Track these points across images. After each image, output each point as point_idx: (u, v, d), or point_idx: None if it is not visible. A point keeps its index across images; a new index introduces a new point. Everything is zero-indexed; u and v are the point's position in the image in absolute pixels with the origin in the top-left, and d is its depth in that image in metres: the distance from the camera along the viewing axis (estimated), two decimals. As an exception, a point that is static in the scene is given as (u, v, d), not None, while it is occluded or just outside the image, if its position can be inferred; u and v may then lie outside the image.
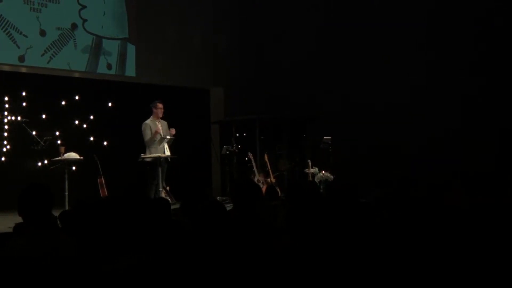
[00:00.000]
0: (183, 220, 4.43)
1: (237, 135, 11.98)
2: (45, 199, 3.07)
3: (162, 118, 9.04)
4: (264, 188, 9.95)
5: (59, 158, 8.32)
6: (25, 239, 2.92)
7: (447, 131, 10.07)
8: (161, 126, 9.00)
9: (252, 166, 10.56)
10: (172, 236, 3.63)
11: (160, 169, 8.60)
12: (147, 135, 8.72)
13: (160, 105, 8.94)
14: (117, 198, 4.46)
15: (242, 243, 2.92)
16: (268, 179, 10.43)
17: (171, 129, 8.90)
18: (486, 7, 9.92)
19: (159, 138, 8.76)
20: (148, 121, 8.86)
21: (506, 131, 9.69)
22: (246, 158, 10.74)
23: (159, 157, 8.62)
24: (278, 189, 8.90)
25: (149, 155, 8.69)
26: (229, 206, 4.18)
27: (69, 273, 2.84)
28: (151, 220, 4.02)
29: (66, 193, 8.18)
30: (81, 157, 8.54)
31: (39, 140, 8.83)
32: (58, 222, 4.78)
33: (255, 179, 10.34)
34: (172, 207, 6.31)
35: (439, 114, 10.20)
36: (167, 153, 8.78)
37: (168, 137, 8.80)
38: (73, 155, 8.40)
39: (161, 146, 8.75)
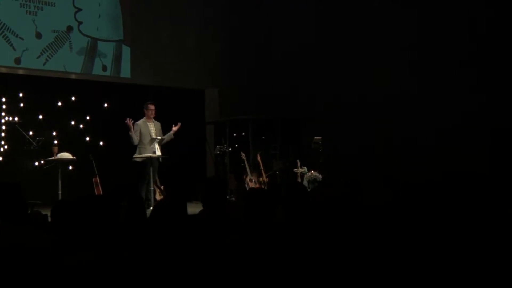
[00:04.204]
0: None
1: (234, 135, 12.14)
2: (15, 197, 3.25)
3: (156, 119, 9.19)
4: (257, 186, 10.13)
5: (53, 158, 8.51)
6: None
7: (438, 132, 10.16)
8: (154, 127, 9.14)
9: (245, 165, 10.72)
10: (142, 234, 3.79)
11: (151, 169, 8.76)
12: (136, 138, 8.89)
13: (151, 107, 9.07)
14: (96, 197, 4.61)
15: (200, 242, 3.06)
16: (261, 179, 10.59)
17: (175, 126, 9.10)
18: (479, 6, 10.00)
19: (150, 138, 8.90)
20: (139, 122, 8.99)
21: (498, 131, 9.77)
22: (243, 158, 10.89)
23: (150, 157, 8.77)
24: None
25: (139, 155, 8.84)
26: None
27: (33, 268, 3.00)
28: (125, 219, 4.19)
29: (59, 192, 8.39)
30: (74, 157, 8.72)
31: (31, 140, 9.03)
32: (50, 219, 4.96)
33: (248, 179, 10.51)
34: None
35: (430, 115, 10.30)
36: (158, 153, 8.92)
37: (159, 137, 8.96)
38: (66, 155, 8.58)
39: (151, 146, 8.89)
